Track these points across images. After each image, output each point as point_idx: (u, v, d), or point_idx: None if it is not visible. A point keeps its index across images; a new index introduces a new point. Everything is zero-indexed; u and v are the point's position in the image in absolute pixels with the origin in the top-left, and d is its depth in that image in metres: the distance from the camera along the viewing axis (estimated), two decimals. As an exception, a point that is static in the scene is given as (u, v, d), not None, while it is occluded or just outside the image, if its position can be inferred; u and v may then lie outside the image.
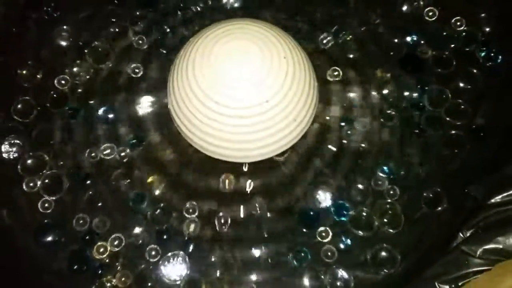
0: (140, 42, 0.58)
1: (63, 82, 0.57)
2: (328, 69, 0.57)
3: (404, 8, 0.59)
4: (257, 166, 0.53)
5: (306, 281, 0.50)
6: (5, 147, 0.54)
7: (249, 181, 0.53)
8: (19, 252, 0.52)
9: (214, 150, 0.51)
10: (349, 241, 0.51)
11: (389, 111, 0.55)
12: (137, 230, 0.52)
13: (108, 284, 0.50)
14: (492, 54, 0.56)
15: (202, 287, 0.50)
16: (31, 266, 0.51)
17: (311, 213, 0.52)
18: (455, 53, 0.57)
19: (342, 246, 0.51)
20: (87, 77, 0.57)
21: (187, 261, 0.51)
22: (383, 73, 0.56)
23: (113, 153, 0.54)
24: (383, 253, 0.50)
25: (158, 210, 0.52)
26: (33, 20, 0.59)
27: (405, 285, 0.47)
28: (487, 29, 0.57)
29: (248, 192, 0.53)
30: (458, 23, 0.57)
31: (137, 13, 0.60)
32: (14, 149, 0.54)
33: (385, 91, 0.56)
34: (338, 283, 0.50)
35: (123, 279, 0.50)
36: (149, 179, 0.54)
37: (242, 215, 0.53)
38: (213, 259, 0.51)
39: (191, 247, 0.51)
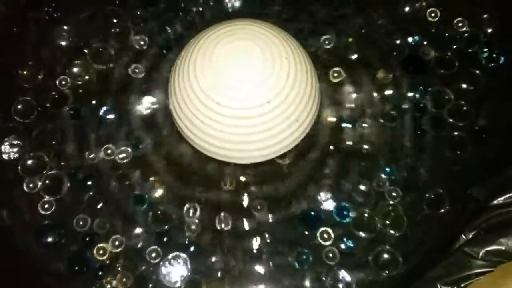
0: (141, 42, 0.58)
1: (63, 82, 0.57)
2: (330, 70, 0.57)
3: (406, 9, 0.58)
4: (259, 167, 0.53)
5: (307, 283, 0.50)
6: (5, 148, 0.54)
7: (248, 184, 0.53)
8: (19, 253, 0.51)
9: (215, 151, 0.51)
10: (351, 243, 0.51)
11: (391, 112, 0.55)
12: (138, 231, 0.52)
13: (108, 286, 0.50)
14: (494, 55, 0.56)
15: (203, 288, 0.50)
16: (31, 267, 0.51)
17: (313, 214, 0.52)
18: (457, 54, 0.56)
19: (344, 247, 0.51)
20: (88, 77, 0.57)
21: (188, 262, 0.51)
22: (385, 74, 0.56)
23: (113, 154, 0.54)
24: (385, 255, 0.50)
25: (159, 211, 0.52)
26: (34, 20, 0.59)
27: (407, 287, 0.47)
28: (490, 30, 0.57)
29: (249, 193, 0.53)
30: (460, 24, 0.57)
31: (138, 13, 0.59)
32: (15, 149, 0.54)
33: (387, 92, 0.56)
34: (340, 285, 0.50)
35: (123, 280, 0.50)
36: (150, 180, 0.54)
37: (243, 217, 0.52)
38: (214, 261, 0.51)
39: (191, 249, 0.51)
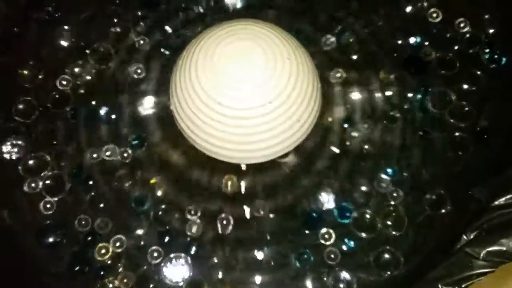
0: (142, 42, 0.58)
1: (64, 82, 0.57)
2: (331, 70, 0.57)
3: (408, 9, 0.58)
4: (260, 167, 0.53)
5: (308, 283, 0.50)
6: (6, 148, 0.54)
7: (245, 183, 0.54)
8: (20, 253, 0.51)
9: (216, 151, 0.51)
10: (352, 243, 0.51)
11: (392, 113, 0.55)
12: (139, 231, 0.52)
13: (110, 286, 0.50)
14: (496, 56, 0.56)
15: (204, 289, 0.50)
16: (32, 267, 0.51)
17: (314, 215, 0.52)
18: (458, 55, 0.56)
19: (345, 248, 0.51)
20: (89, 77, 0.57)
21: (190, 262, 0.51)
22: (387, 74, 0.56)
23: (115, 154, 0.54)
24: (386, 255, 0.50)
25: (160, 212, 0.52)
26: (35, 20, 0.59)
27: (408, 287, 0.47)
28: (491, 31, 0.57)
29: (250, 193, 0.53)
30: (462, 25, 0.57)
31: (139, 13, 0.59)
32: (16, 149, 0.54)
33: (389, 93, 0.56)
34: (341, 285, 0.50)
35: (125, 280, 0.50)
36: (152, 180, 0.54)
37: (244, 217, 0.52)
38: (215, 261, 0.51)
39: (193, 249, 0.51)
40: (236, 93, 0.49)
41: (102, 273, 0.50)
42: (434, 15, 0.58)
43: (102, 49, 0.58)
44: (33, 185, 0.53)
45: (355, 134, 0.55)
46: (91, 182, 0.53)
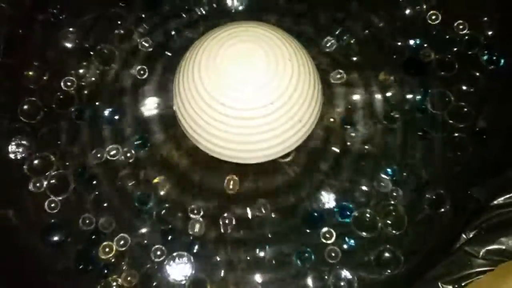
0: (146, 44, 0.59)
1: (69, 83, 0.57)
2: (332, 71, 0.57)
3: (407, 11, 0.59)
4: (262, 167, 0.53)
5: (309, 282, 0.51)
6: (11, 148, 0.55)
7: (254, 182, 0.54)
8: (25, 252, 0.52)
9: (219, 151, 0.52)
10: (352, 242, 0.52)
11: (392, 114, 0.56)
12: (143, 230, 0.52)
13: (114, 284, 0.50)
14: (494, 58, 0.56)
15: (207, 287, 0.51)
16: (37, 266, 0.52)
17: (315, 214, 0.53)
18: (457, 57, 0.57)
19: (345, 247, 0.51)
20: (93, 78, 0.58)
21: (192, 261, 0.51)
22: (386, 75, 0.57)
23: (118, 154, 0.55)
24: (387, 254, 0.51)
25: (164, 211, 0.53)
26: (39, 22, 0.59)
27: (408, 286, 0.47)
28: (490, 33, 0.57)
29: (252, 193, 0.54)
30: (461, 27, 0.58)
31: (142, 15, 0.60)
32: (21, 149, 0.55)
33: (388, 94, 0.56)
34: (342, 284, 0.50)
35: (128, 278, 0.51)
36: (155, 180, 0.54)
37: (246, 216, 0.53)
38: (218, 259, 0.51)
39: (196, 248, 0.52)
40: (238, 94, 0.50)
41: (106, 271, 0.51)
42: (434, 17, 0.58)
43: (105, 50, 0.58)
44: (38, 184, 0.53)
45: (355, 134, 0.55)
46: (95, 182, 0.54)
